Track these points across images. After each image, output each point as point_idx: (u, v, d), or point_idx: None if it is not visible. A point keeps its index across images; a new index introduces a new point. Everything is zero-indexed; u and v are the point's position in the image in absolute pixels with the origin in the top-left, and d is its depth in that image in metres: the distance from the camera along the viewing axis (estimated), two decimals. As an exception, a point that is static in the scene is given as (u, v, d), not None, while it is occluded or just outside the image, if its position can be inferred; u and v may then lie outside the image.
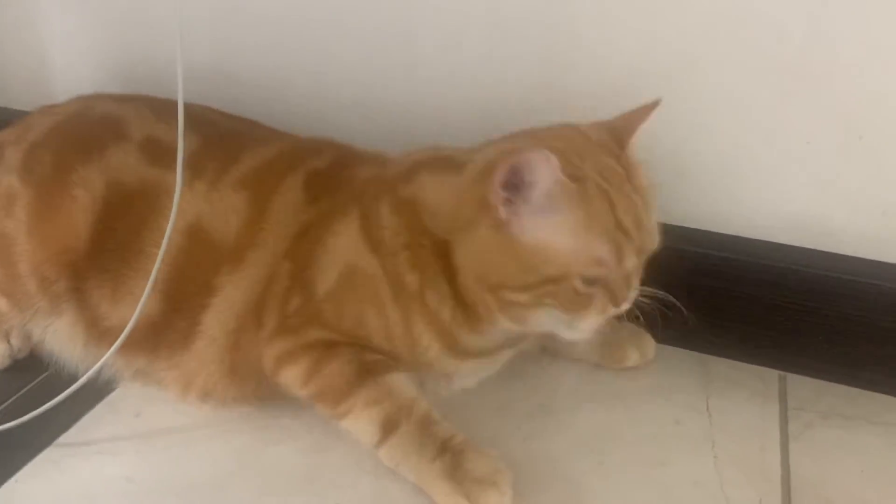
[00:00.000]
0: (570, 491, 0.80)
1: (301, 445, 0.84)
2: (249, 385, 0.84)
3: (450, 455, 0.76)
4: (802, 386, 0.94)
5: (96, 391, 0.88)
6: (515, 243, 0.73)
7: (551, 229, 0.72)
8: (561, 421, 0.88)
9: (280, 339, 0.82)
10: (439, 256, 0.79)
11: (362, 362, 0.80)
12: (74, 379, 0.81)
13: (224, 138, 0.91)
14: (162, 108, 0.91)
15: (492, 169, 0.73)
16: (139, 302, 0.80)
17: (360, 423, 0.79)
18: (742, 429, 0.88)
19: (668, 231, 0.94)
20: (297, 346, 0.81)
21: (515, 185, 0.71)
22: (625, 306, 0.77)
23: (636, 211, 0.75)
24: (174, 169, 0.80)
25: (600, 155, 0.76)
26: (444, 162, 0.82)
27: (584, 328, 0.77)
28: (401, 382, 0.81)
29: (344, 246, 0.82)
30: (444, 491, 0.74)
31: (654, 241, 0.77)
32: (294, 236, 0.83)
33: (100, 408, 0.88)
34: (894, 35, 0.83)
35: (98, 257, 0.85)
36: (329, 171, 0.87)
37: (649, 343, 0.94)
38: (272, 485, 0.80)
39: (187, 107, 0.90)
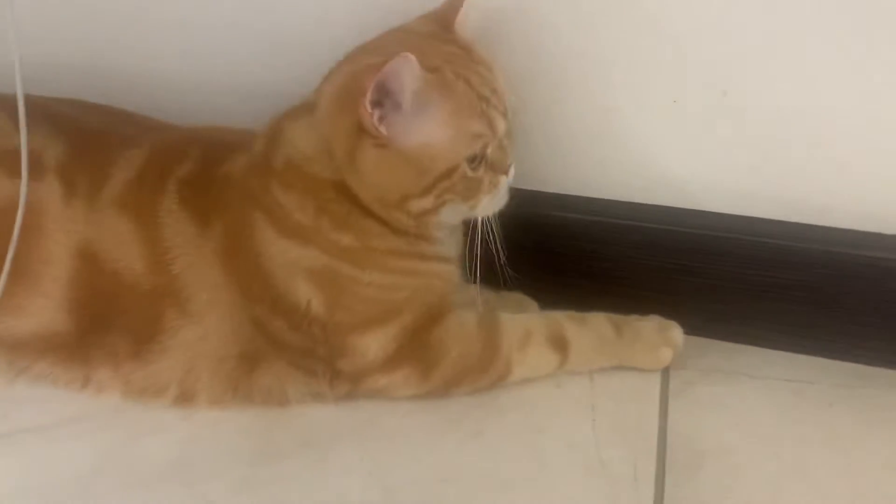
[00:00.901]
0: (445, 460, 0.80)
1: (174, 437, 0.83)
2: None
3: (623, 326, 0.89)
4: (685, 344, 0.94)
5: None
6: (402, 153, 0.76)
7: (429, 125, 0.76)
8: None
9: (351, 373, 0.84)
10: (349, 199, 0.80)
11: (451, 321, 0.85)
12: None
13: (92, 143, 0.87)
14: (14, 111, 0.86)
15: (354, 93, 0.74)
16: (37, 316, 0.82)
17: (531, 363, 0.87)
18: (623, 390, 0.89)
19: (540, 199, 0.96)
20: (380, 362, 0.83)
21: (384, 99, 0.73)
22: (511, 173, 0.83)
23: (487, 80, 0.78)
24: (40, 180, 0.82)
25: (437, 43, 0.79)
26: (299, 109, 0.83)
27: (484, 208, 0.82)
28: (497, 309, 0.89)
29: (279, 259, 0.81)
30: (645, 351, 0.89)
31: (510, 100, 0.80)
32: (223, 278, 0.81)
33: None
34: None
35: None
36: (201, 177, 0.85)
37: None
38: (140, 478, 0.78)
39: (43, 104, 0.90)
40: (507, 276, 0.87)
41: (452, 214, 0.82)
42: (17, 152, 0.81)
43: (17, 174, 0.81)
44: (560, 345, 0.88)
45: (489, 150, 0.79)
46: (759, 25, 0.83)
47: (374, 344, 0.83)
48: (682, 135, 0.92)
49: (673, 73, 0.88)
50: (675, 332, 0.91)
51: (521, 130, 0.90)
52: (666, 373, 0.91)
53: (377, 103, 0.73)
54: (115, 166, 0.85)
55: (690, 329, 0.93)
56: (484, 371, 0.87)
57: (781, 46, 0.84)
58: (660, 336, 0.91)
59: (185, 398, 0.84)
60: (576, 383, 0.89)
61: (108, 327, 0.83)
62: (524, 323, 0.89)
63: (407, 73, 0.72)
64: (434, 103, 0.75)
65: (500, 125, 0.79)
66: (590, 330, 0.90)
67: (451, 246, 0.87)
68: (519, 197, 0.89)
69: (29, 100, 0.86)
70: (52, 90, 0.95)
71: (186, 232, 0.83)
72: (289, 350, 0.84)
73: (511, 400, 0.87)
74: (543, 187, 0.97)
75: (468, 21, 0.84)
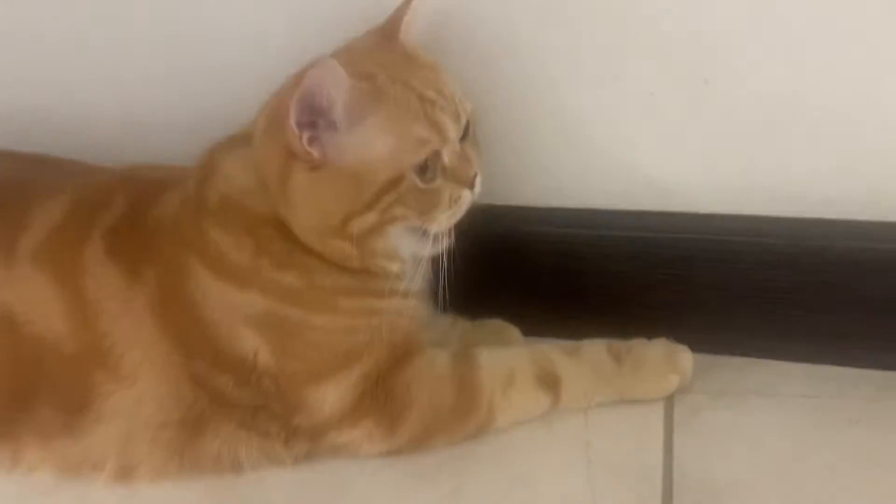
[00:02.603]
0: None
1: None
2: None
3: (623, 355, 0.79)
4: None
5: None
6: (339, 171, 0.69)
7: (366, 137, 0.68)
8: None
9: (309, 430, 0.75)
10: (290, 235, 0.72)
11: (420, 364, 0.76)
12: None
13: (8, 196, 0.80)
14: None
15: (279, 116, 0.68)
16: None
17: (517, 408, 0.78)
18: (621, 424, 0.79)
19: (511, 213, 0.87)
20: (339, 415, 0.74)
21: (316, 118, 0.67)
22: (477, 187, 0.73)
23: (433, 83, 0.71)
24: None
25: (376, 53, 0.73)
26: (233, 140, 0.77)
27: (441, 225, 0.72)
28: (474, 342, 0.82)
29: (218, 306, 0.73)
30: (649, 381, 0.79)
31: (463, 104, 0.73)
32: (156, 333, 0.73)
33: None
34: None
35: None
36: (129, 223, 0.77)
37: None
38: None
39: None
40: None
41: (406, 239, 0.73)
42: None
43: None
44: (551, 383, 0.78)
45: (446, 158, 0.71)
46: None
47: (331, 395, 0.73)
48: (663, 131, 0.82)
49: (647, 62, 0.79)
50: (684, 356, 0.81)
51: (486, 140, 0.81)
52: (669, 400, 0.81)
53: (307, 124, 0.67)
54: (31, 218, 0.77)
55: (694, 345, 0.83)
56: (461, 421, 0.77)
57: (767, 24, 0.74)
58: (667, 362, 0.80)
59: (124, 473, 0.75)
60: (567, 420, 0.79)
61: (32, 400, 0.75)
62: (507, 361, 0.79)
63: (330, 80, 0.65)
64: (369, 112, 0.68)
65: (450, 129, 0.71)
66: (585, 363, 0.80)
67: (414, 279, 0.77)
68: (489, 213, 0.80)
69: None
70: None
71: (114, 284, 0.74)
72: (237, 409, 0.75)
73: (492, 446, 0.77)
74: (514, 200, 0.88)
75: (415, 30, 0.76)
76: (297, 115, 0.66)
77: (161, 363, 0.74)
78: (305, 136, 0.67)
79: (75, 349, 0.74)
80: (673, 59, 0.78)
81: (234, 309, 0.73)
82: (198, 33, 0.89)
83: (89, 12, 0.91)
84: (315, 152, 0.68)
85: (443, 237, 0.74)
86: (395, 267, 0.75)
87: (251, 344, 0.73)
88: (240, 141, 0.76)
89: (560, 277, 0.88)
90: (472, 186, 0.73)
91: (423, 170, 0.70)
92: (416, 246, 0.74)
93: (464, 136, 0.73)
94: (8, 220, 0.77)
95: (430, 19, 0.79)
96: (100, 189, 0.80)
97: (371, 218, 0.70)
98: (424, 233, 0.73)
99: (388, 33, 0.75)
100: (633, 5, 0.77)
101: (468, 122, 0.74)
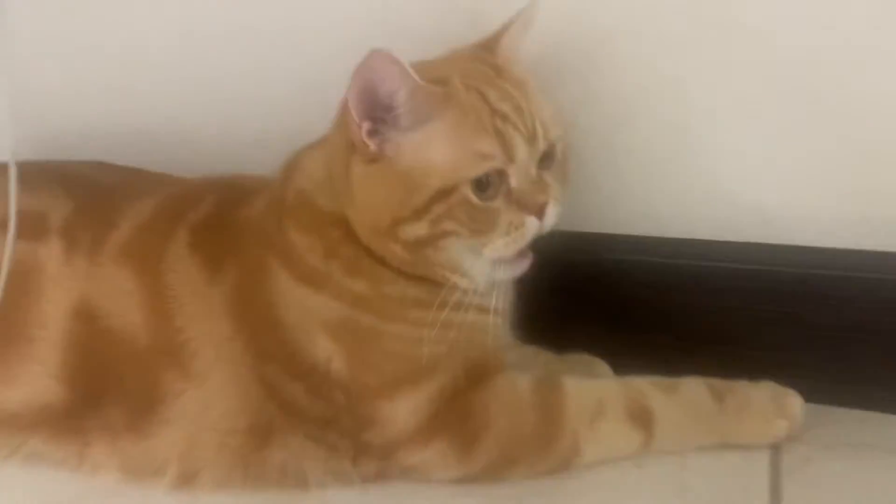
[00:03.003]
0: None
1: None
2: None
3: (725, 394, 0.73)
4: (800, 413, 0.76)
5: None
6: (393, 168, 0.67)
7: (426, 140, 0.66)
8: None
9: (379, 447, 0.71)
10: (356, 239, 0.70)
11: (500, 383, 0.71)
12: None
13: (101, 198, 0.81)
14: (28, 175, 0.82)
15: (345, 108, 0.66)
16: (31, 385, 0.74)
17: (605, 443, 0.72)
18: (722, 470, 0.71)
19: (606, 242, 0.82)
20: (411, 432, 0.70)
21: (375, 111, 0.65)
22: (548, 218, 0.68)
23: (513, 98, 0.68)
24: (43, 242, 0.76)
25: (466, 62, 0.71)
26: (317, 141, 0.76)
27: (496, 250, 0.67)
28: (560, 370, 0.76)
29: (295, 309, 0.71)
30: (754, 424, 0.72)
31: (547, 128, 0.68)
32: (232, 331, 0.71)
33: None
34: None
35: None
36: (215, 220, 0.76)
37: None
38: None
39: (64, 166, 0.87)
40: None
41: (462, 256, 0.69)
42: (26, 215, 0.77)
43: (25, 237, 0.76)
44: (643, 419, 0.72)
45: (513, 181, 0.67)
46: (861, 8, 0.69)
47: (403, 409, 0.69)
48: (770, 154, 0.77)
49: (754, 78, 0.74)
50: (793, 400, 0.73)
51: (581, 165, 0.78)
52: (776, 448, 0.73)
53: (369, 116, 0.66)
54: (122, 217, 0.78)
55: (805, 393, 0.74)
56: (542, 451, 0.71)
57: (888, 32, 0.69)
58: (774, 406, 0.73)
59: (186, 479, 0.72)
60: (661, 461, 0.72)
61: (103, 396, 0.73)
62: (596, 390, 0.73)
63: (383, 67, 0.63)
64: (434, 116, 0.66)
65: (520, 149, 0.67)
66: (682, 399, 0.73)
67: (493, 296, 0.73)
68: (580, 241, 0.77)
69: (44, 164, 0.85)
70: (80, 156, 0.91)
71: (195, 279, 0.73)
72: (307, 421, 0.71)
73: (577, 483, 0.71)
74: (609, 228, 0.83)
75: (522, 50, 0.74)
76: (355, 103, 0.65)
77: (233, 364, 0.71)
78: (365, 126, 0.66)
79: (149, 343, 0.72)
80: (782, 75, 0.74)
81: (311, 313, 0.70)
82: (292, 51, 0.91)
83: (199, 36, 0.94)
84: (372, 145, 0.66)
85: (510, 263, 0.69)
86: (463, 281, 0.70)
87: (325, 350, 0.70)
88: (321, 139, 0.75)
89: (656, 311, 0.82)
90: (539, 216, 0.68)
91: (481, 186, 0.66)
92: (478, 266, 0.69)
93: (546, 163, 0.69)
94: (100, 220, 0.78)
95: (539, 43, 0.76)
96: (190, 190, 0.81)
97: (421, 228, 0.67)
98: (481, 256, 0.68)
99: (486, 46, 0.73)
100: (741, 15, 0.74)
101: (552, 148, 0.70)
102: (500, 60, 0.72)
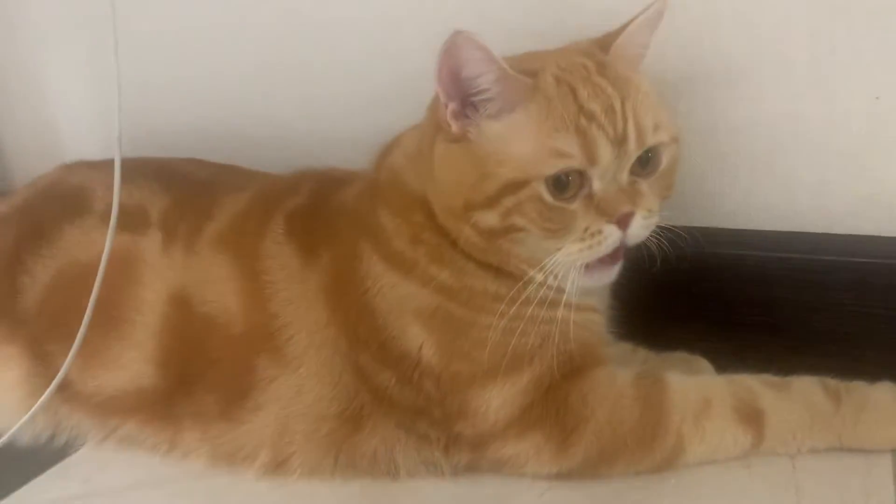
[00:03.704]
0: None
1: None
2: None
3: (842, 394, 0.68)
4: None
5: (53, 455, 0.79)
6: (472, 150, 0.65)
7: (507, 129, 0.64)
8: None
9: (471, 438, 0.69)
10: (438, 225, 0.68)
11: (599, 376, 0.68)
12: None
13: (197, 192, 0.83)
14: (129, 171, 0.84)
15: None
16: (127, 369, 0.76)
17: (711, 441, 0.68)
18: (837, 473, 0.66)
19: (712, 235, 0.79)
20: (505, 423, 0.68)
21: (461, 93, 0.64)
22: (634, 229, 0.64)
23: (606, 98, 0.64)
24: (144, 234, 0.78)
25: (570, 56, 0.68)
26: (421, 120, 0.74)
27: (570, 255, 0.64)
28: (660, 368, 0.72)
29: (388, 295, 0.70)
30: (875, 426, 0.67)
31: (644, 132, 0.64)
32: (326, 317, 0.71)
33: (52, 472, 0.77)
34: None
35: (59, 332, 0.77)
36: (311, 208, 0.77)
37: None
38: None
39: (161, 163, 0.89)
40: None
41: (539, 251, 0.66)
42: (128, 209, 0.79)
43: (128, 229, 0.78)
44: (753, 418, 0.68)
45: (596, 184, 0.64)
46: None
47: (496, 399, 0.67)
48: (887, 141, 0.73)
49: (871, 59, 0.71)
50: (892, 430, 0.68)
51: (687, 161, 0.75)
52: (899, 452, 0.68)
53: (457, 97, 0.65)
54: (219, 209, 0.79)
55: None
56: (644, 447, 0.67)
57: None
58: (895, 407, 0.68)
59: (277, 464, 0.71)
60: (770, 462, 0.68)
61: (197, 382, 0.74)
62: (701, 387, 0.70)
63: (465, 47, 0.61)
64: (518, 105, 0.64)
65: (604, 151, 0.63)
66: (794, 398, 0.68)
67: (593, 296, 0.71)
68: (677, 234, 0.73)
69: (146, 161, 0.88)
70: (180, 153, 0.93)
71: (290, 265, 0.73)
72: (398, 409, 0.70)
73: (680, 482, 0.67)
74: (710, 222, 0.80)
75: (646, 47, 0.70)
76: (441, 83, 0.64)
77: (327, 350, 0.71)
78: (451, 107, 0.65)
79: (244, 329, 0.72)
80: None
81: (403, 300, 0.69)
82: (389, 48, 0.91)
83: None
84: (455, 126, 0.65)
85: (591, 271, 0.66)
86: (540, 276, 0.67)
87: (417, 338, 0.69)
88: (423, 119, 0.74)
89: (760, 307, 0.78)
90: (622, 225, 0.64)
91: (559, 186, 0.63)
92: (562, 265, 0.66)
93: (645, 171, 0.66)
94: (197, 211, 0.80)
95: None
96: (285, 181, 0.82)
97: (491, 218, 0.65)
98: (554, 249, 0.65)
99: (603, 42, 0.70)
100: None
101: (652, 155, 0.66)
102: (610, 57, 0.68)
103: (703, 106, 0.78)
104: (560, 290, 0.67)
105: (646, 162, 0.66)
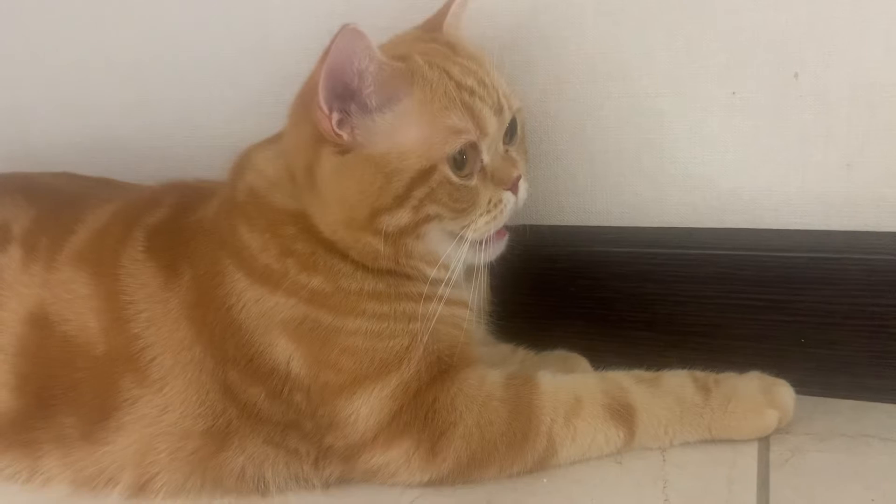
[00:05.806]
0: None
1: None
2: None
3: (711, 387, 0.69)
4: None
5: None
6: (368, 156, 0.64)
7: (398, 121, 0.64)
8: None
9: (341, 450, 0.67)
10: (313, 235, 0.67)
11: (468, 378, 0.67)
12: None
13: (62, 206, 0.80)
14: None
15: (307, 98, 0.64)
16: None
17: (583, 441, 0.68)
18: (705, 464, 0.67)
19: (578, 233, 0.80)
20: (373, 431, 0.66)
21: (343, 98, 0.63)
22: (521, 192, 0.67)
23: (474, 73, 0.66)
24: (3, 250, 0.75)
25: (416, 43, 0.69)
26: (268, 140, 0.74)
27: (479, 231, 0.66)
28: (541, 365, 0.73)
29: (253, 310, 0.67)
30: (743, 417, 0.68)
31: (510, 100, 0.67)
32: (191, 336, 0.68)
33: None
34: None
35: None
36: (172, 223, 0.74)
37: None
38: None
39: (30, 177, 0.86)
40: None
41: (443, 243, 0.66)
42: None
43: None
44: (624, 415, 0.68)
45: (486, 157, 0.65)
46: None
47: (365, 407, 0.66)
48: (748, 135, 0.74)
49: (727, 55, 0.72)
50: (784, 390, 0.70)
51: (550, 154, 0.75)
52: (764, 440, 0.69)
53: (337, 104, 0.63)
54: (81, 223, 0.76)
55: (794, 384, 0.70)
56: (515, 450, 0.67)
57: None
58: (763, 396, 0.69)
59: (140, 486, 0.69)
60: (641, 457, 0.68)
61: (56, 405, 0.70)
62: (572, 386, 0.69)
63: (357, 48, 0.60)
64: (402, 94, 0.64)
65: (490, 121, 0.65)
66: (665, 393, 0.69)
67: (463, 286, 0.70)
68: (551, 234, 0.74)
69: (12, 176, 0.86)
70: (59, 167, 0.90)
71: (151, 283, 0.70)
72: (267, 425, 0.68)
73: (553, 483, 0.67)
74: (582, 220, 0.80)
75: (465, 27, 0.73)
76: (326, 91, 0.62)
77: (193, 369, 0.68)
78: (335, 117, 0.63)
79: (106, 350, 0.69)
80: (759, 52, 0.71)
81: (268, 314, 0.67)
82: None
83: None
84: (345, 135, 0.63)
85: (487, 245, 0.67)
86: (435, 272, 0.67)
87: (285, 351, 0.67)
88: (271, 139, 0.73)
89: (635, 303, 0.78)
90: (514, 190, 0.67)
91: (458, 164, 0.64)
92: (457, 252, 0.67)
93: (510, 139, 0.68)
94: (60, 226, 0.76)
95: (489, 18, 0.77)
96: (148, 195, 0.79)
97: (403, 216, 0.64)
98: (462, 239, 0.66)
99: (430, 28, 0.72)
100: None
101: (515, 123, 0.68)
102: (450, 39, 0.70)
103: (572, 106, 0.78)
104: (435, 283, 0.67)
105: (512, 131, 0.68)
